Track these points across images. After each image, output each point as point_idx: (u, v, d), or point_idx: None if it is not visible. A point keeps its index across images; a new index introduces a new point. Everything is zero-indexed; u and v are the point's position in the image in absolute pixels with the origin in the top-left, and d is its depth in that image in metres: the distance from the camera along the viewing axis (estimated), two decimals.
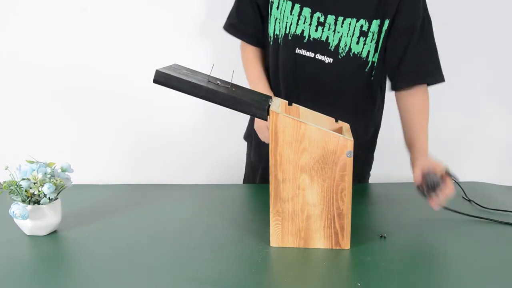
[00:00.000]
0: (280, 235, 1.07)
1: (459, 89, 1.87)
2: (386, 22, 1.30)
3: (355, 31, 1.30)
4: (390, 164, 1.80)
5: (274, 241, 1.07)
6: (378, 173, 1.60)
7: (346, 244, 1.06)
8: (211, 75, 1.14)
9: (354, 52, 1.31)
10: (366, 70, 1.35)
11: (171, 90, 1.04)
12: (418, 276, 0.96)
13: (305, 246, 1.07)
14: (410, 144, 1.30)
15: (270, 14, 1.37)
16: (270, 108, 1.02)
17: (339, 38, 1.31)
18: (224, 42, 1.55)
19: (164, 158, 1.95)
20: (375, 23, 1.29)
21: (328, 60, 1.32)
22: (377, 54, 1.33)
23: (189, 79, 1.02)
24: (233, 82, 1.12)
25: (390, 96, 1.42)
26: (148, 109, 1.90)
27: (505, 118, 1.91)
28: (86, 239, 1.12)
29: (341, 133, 1.04)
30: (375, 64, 1.35)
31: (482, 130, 1.90)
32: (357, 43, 1.31)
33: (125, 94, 1.88)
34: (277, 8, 1.35)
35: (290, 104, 1.16)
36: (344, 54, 1.32)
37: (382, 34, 1.31)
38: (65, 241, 1.12)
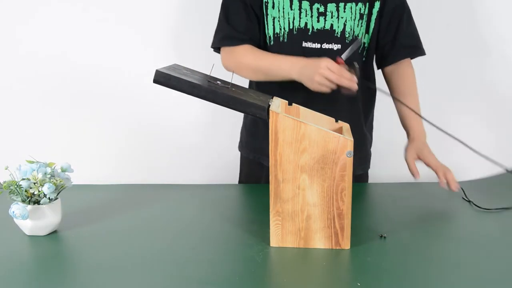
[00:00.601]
0: (280, 235, 1.07)
1: (458, 88, 1.87)
2: (377, 4, 1.37)
3: (356, 14, 1.36)
4: (390, 164, 1.80)
5: (274, 241, 1.07)
6: (378, 173, 1.60)
7: (346, 244, 1.06)
8: (211, 75, 1.14)
9: (357, 35, 1.38)
10: (359, 52, 1.41)
11: (171, 90, 1.04)
12: (418, 276, 0.96)
13: (305, 246, 1.07)
14: (405, 123, 1.43)
15: (267, 15, 1.38)
16: (270, 108, 1.02)
17: (344, 23, 1.35)
18: None
19: (164, 158, 1.94)
20: (367, 5, 1.37)
21: (336, 47, 1.36)
22: (367, 36, 1.40)
23: (189, 79, 1.02)
24: (233, 82, 1.12)
25: (388, 98, 1.43)
26: (148, 109, 1.90)
27: (503, 117, 1.91)
28: (86, 239, 1.12)
29: (341, 133, 1.04)
30: (366, 45, 1.41)
31: (480, 130, 1.90)
32: (358, 26, 1.37)
33: (125, 94, 1.88)
34: (273, 7, 1.37)
35: (290, 104, 1.17)
36: (350, 38, 1.37)
37: (373, 16, 1.38)
38: (65, 241, 1.12)
